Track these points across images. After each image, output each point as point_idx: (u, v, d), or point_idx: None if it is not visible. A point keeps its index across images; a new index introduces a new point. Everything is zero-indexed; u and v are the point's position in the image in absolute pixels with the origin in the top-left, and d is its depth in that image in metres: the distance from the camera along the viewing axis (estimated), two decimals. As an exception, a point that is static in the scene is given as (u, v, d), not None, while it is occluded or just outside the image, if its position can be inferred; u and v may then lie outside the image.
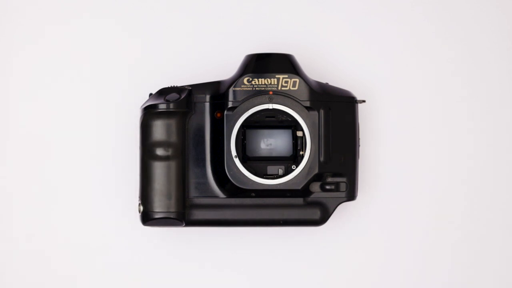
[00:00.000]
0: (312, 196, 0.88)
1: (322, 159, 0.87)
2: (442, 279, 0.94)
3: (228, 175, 0.86)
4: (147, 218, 0.86)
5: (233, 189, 0.87)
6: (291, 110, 0.86)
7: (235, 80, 0.87)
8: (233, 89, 0.86)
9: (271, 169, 0.87)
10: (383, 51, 0.95)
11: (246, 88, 0.86)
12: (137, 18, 0.94)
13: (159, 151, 0.86)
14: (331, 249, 0.93)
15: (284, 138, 0.88)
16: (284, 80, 0.86)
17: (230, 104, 0.86)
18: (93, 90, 0.94)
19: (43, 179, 0.93)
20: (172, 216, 0.86)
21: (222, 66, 0.92)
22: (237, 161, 0.86)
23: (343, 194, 0.88)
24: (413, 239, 0.94)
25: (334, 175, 0.88)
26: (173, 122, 0.87)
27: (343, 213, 0.93)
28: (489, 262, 0.94)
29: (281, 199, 0.87)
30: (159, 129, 0.86)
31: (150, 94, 0.88)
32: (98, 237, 0.93)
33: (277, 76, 0.86)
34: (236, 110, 0.86)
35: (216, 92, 0.88)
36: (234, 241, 0.93)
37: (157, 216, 0.86)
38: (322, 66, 0.93)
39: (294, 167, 0.87)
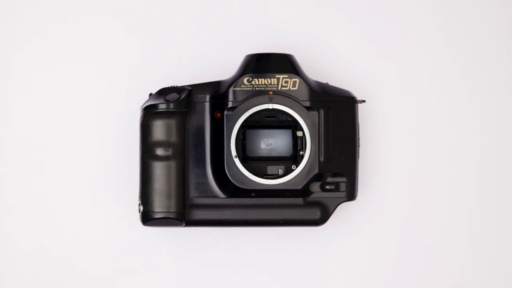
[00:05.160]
0: (312, 196, 0.88)
1: (322, 159, 0.87)
2: (442, 279, 0.94)
3: (228, 175, 0.86)
4: (147, 218, 0.86)
5: (233, 189, 0.87)
6: (291, 110, 0.86)
7: (235, 80, 0.87)
8: (233, 89, 0.86)
9: (271, 169, 0.87)
10: (383, 51, 0.95)
11: (246, 88, 0.86)
12: (137, 18, 0.94)
13: (159, 151, 0.86)
14: (331, 249, 0.93)
15: (284, 138, 0.88)
16: (284, 80, 0.86)
17: (230, 104, 0.86)
18: (93, 90, 0.94)
19: (43, 179, 0.93)
20: (172, 216, 0.86)
21: (222, 66, 0.92)
22: (237, 161, 0.86)
23: (343, 194, 0.88)
24: (413, 239, 0.94)
25: (334, 175, 0.88)
26: (173, 122, 0.87)
27: (343, 213, 0.93)
28: (489, 263, 0.94)
29: (281, 199, 0.87)
30: (159, 129, 0.86)
31: (150, 94, 0.88)
32: (98, 237, 0.93)
33: (277, 76, 0.86)
34: (236, 110, 0.86)
35: (216, 92, 0.88)
36: (234, 241, 0.93)
37: (157, 216, 0.86)
38: (322, 66, 0.93)
39: (294, 167, 0.87)
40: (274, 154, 0.88)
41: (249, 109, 0.86)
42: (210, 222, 0.88)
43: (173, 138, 0.87)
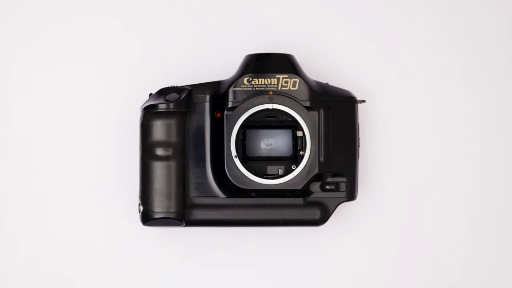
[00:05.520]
0: (312, 196, 0.88)
1: (322, 159, 0.87)
2: (442, 279, 0.94)
3: (228, 175, 0.86)
4: (147, 218, 0.86)
5: (233, 189, 0.87)
6: (291, 110, 0.86)
7: (235, 80, 0.87)
8: (233, 89, 0.86)
9: (271, 169, 0.87)
10: (383, 51, 0.95)
11: (246, 88, 0.86)
12: (137, 18, 0.94)
13: (159, 151, 0.86)
14: (331, 249, 0.93)
15: (284, 138, 0.88)
16: (284, 80, 0.86)
17: (230, 104, 0.86)
18: (93, 90, 0.94)
19: (43, 179, 0.93)
20: (172, 216, 0.86)
21: (222, 66, 0.92)
22: (237, 161, 0.86)
23: (343, 194, 0.88)
24: (413, 239, 0.94)
25: (334, 175, 0.88)
26: (173, 122, 0.87)
27: (343, 213, 0.93)
28: (489, 263, 0.94)
29: (281, 199, 0.87)
30: (159, 129, 0.86)
31: (150, 94, 0.88)
32: (98, 237, 0.93)
33: (277, 76, 0.86)
34: (236, 110, 0.86)
35: (216, 92, 0.88)
36: (234, 241, 0.93)
37: (157, 216, 0.86)
38: (322, 66, 0.93)
39: (294, 167, 0.87)
40: (274, 154, 0.88)
41: (249, 109, 0.86)
42: (210, 222, 0.88)
43: (173, 138, 0.87)
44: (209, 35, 0.94)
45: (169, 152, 0.86)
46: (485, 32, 0.95)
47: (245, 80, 0.86)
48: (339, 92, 0.88)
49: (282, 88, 0.86)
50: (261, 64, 0.87)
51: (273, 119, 0.87)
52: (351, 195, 0.88)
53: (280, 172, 0.87)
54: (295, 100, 0.86)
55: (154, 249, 0.93)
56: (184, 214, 0.87)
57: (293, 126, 0.87)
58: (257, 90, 0.86)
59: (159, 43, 0.94)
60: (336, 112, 0.87)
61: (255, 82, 0.86)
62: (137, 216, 0.88)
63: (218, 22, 0.94)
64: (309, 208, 0.88)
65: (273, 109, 0.86)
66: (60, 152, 0.93)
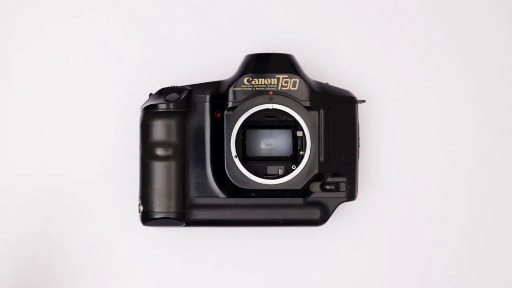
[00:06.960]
0: (312, 196, 0.88)
1: (322, 159, 0.87)
2: (442, 279, 0.94)
3: (228, 175, 0.86)
4: (147, 218, 0.86)
5: (233, 189, 0.87)
6: (291, 110, 0.86)
7: (235, 80, 0.87)
8: (233, 89, 0.86)
9: (271, 169, 0.87)
10: (383, 51, 0.95)
11: (246, 88, 0.86)
12: (137, 18, 0.94)
13: (159, 151, 0.86)
14: (331, 249, 0.93)
15: (284, 138, 0.88)
16: (284, 80, 0.86)
17: (230, 104, 0.86)
18: (93, 90, 0.94)
19: (43, 178, 0.93)
20: (172, 216, 0.86)
21: (222, 66, 0.92)
22: (237, 161, 0.86)
23: (343, 194, 0.88)
24: (413, 239, 0.94)
25: (334, 175, 0.88)
26: (173, 122, 0.87)
27: (343, 213, 0.93)
28: (490, 262, 0.94)
29: (281, 199, 0.87)
30: (159, 129, 0.86)
31: (150, 94, 0.88)
32: (98, 237, 0.93)
33: (277, 76, 0.86)
34: (236, 110, 0.86)
35: (216, 92, 0.88)
36: (234, 241, 0.93)
37: (157, 216, 0.86)
38: (322, 66, 0.93)
39: (294, 167, 0.87)
40: (274, 154, 0.88)
41: (249, 109, 0.86)
42: (210, 222, 0.88)
43: (173, 138, 0.87)
44: (209, 35, 0.94)
45: (169, 152, 0.86)
46: (485, 32, 0.95)
47: (245, 80, 0.86)
48: (339, 92, 0.88)
49: (282, 88, 0.86)
50: (261, 64, 0.87)
51: (273, 119, 0.87)
52: (351, 195, 0.88)
53: (280, 172, 0.87)
54: (295, 100, 0.86)
55: (154, 249, 0.93)
56: (184, 214, 0.87)
57: (293, 126, 0.87)
58: (257, 90, 0.86)
59: (159, 43, 0.94)
60: (336, 112, 0.87)
61: (255, 82, 0.86)
62: (137, 216, 0.88)
63: (218, 22, 0.94)
64: (309, 208, 0.88)
65: (273, 109, 0.86)
66: (60, 151, 0.93)
